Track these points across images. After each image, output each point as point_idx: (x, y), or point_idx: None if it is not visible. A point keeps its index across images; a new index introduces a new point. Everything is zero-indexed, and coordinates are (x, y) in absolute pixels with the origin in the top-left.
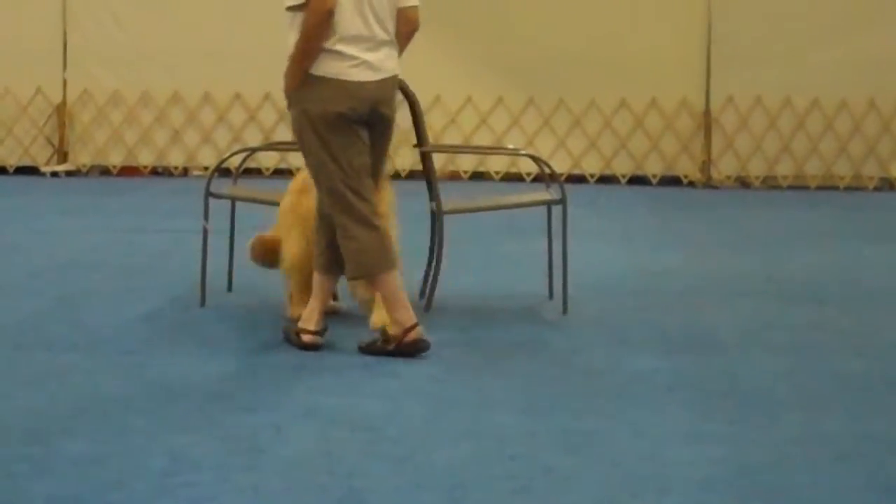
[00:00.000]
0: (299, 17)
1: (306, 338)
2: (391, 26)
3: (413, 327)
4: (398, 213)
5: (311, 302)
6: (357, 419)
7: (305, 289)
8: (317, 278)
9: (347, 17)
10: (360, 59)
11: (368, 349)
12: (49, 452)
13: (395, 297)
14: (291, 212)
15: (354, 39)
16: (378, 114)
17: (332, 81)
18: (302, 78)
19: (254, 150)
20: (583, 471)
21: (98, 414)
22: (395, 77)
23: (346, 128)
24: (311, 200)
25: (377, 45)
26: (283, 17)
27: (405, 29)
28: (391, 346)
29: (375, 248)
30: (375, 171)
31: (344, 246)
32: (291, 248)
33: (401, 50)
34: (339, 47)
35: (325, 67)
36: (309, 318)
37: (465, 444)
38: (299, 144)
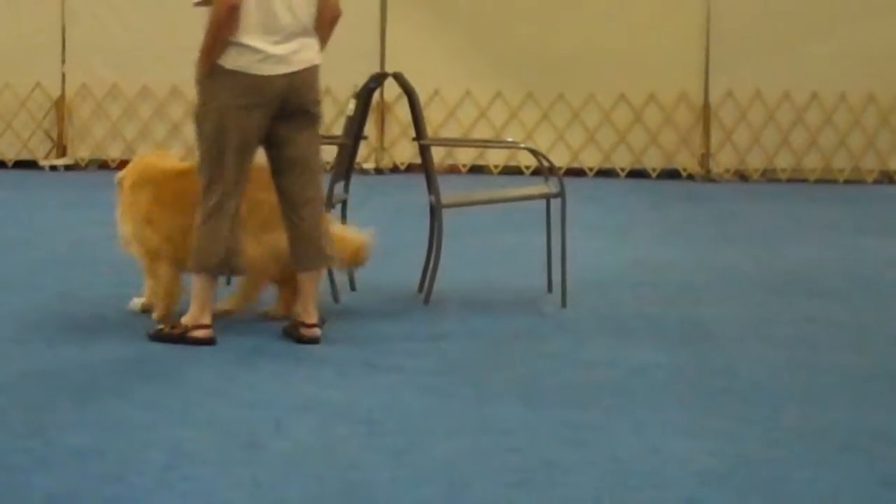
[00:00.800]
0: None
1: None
2: (308, 15)
3: (203, 326)
4: (395, 207)
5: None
6: (356, 412)
7: (285, 286)
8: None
9: (254, 10)
10: (267, 52)
11: (157, 336)
12: (48, 445)
13: (201, 294)
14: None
15: (262, 32)
16: (292, 106)
17: (238, 74)
18: (210, 69)
19: None
20: (582, 464)
21: (97, 407)
22: (311, 68)
23: (245, 122)
24: (272, 196)
25: (288, 36)
26: None
27: (327, 16)
28: (177, 332)
29: (214, 248)
30: (305, 165)
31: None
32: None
33: (325, 38)
34: (246, 40)
35: (232, 60)
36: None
37: (464, 437)
38: (196, 131)
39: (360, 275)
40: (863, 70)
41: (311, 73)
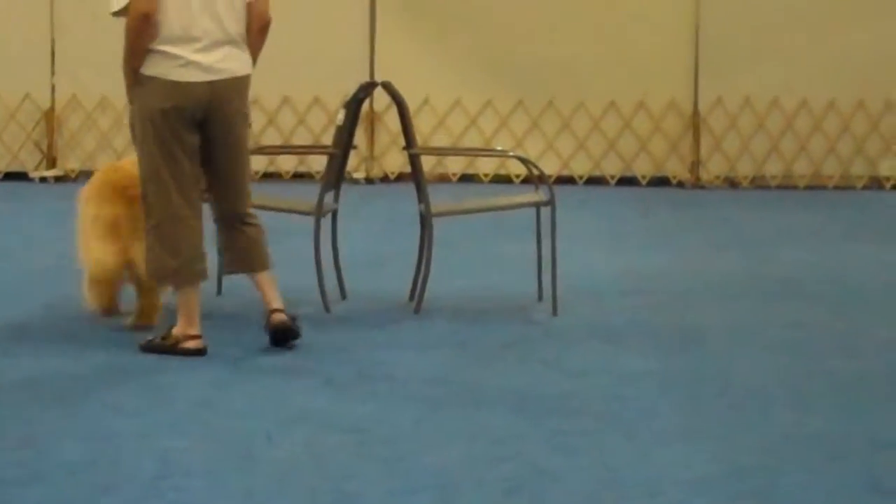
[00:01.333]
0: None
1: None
2: (235, 24)
3: (193, 337)
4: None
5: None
6: (348, 422)
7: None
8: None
9: (173, 19)
10: (186, 59)
11: (148, 347)
12: (40, 457)
13: (185, 306)
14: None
15: (181, 40)
16: (216, 115)
17: (157, 80)
18: (134, 78)
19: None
20: (574, 472)
21: (89, 418)
22: (237, 78)
23: (168, 130)
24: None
25: (212, 45)
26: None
27: (256, 25)
28: (168, 343)
29: (169, 261)
30: (229, 175)
31: (146, 245)
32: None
33: (256, 47)
34: (165, 48)
35: (152, 67)
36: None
37: (456, 445)
38: (132, 137)
39: (350, 283)
40: (852, 77)
41: (236, 82)
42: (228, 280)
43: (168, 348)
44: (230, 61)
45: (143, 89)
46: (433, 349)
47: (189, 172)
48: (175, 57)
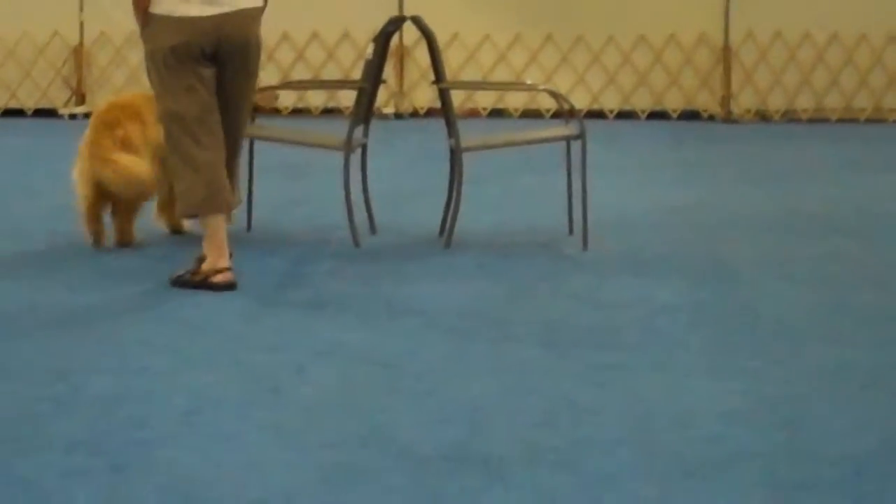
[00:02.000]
0: None
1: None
2: None
3: (223, 270)
4: (415, 152)
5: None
6: (378, 356)
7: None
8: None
9: None
10: None
11: (178, 282)
12: (71, 392)
13: (213, 238)
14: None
15: None
16: (227, 48)
17: (164, 18)
18: (144, 18)
19: (272, 89)
20: (604, 404)
21: (119, 353)
22: (245, 10)
23: (180, 64)
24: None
25: None
26: None
27: None
28: (198, 278)
29: (199, 190)
30: (237, 108)
31: (174, 184)
32: None
33: None
34: None
35: (159, 5)
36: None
37: (486, 378)
38: (148, 78)
39: (380, 218)
40: (883, 9)
41: (245, 14)
42: (258, 215)
43: (198, 283)
44: None
45: (152, 28)
46: (463, 283)
47: (208, 102)
48: None
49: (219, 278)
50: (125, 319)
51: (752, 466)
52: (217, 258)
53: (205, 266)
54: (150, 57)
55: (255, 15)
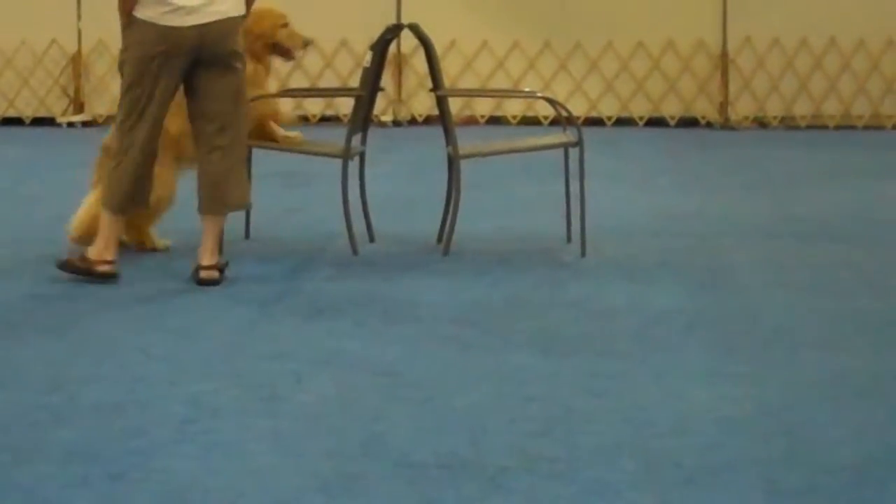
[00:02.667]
0: None
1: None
2: None
3: (101, 262)
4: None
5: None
6: (376, 364)
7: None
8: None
9: None
10: (176, 4)
11: (64, 265)
12: (68, 400)
13: (104, 232)
14: None
15: None
16: (207, 57)
17: (148, 25)
18: (127, 20)
19: (270, 97)
20: (603, 412)
21: (117, 361)
22: (227, 20)
23: (154, 72)
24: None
25: None
26: None
27: None
28: (83, 265)
29: (114, 183)
30: (217, 115)
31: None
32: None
33: None
34: None
35: (144, 11)
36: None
37: (484, 386)
38: (120, 76)
39: (378, 226)
40: (881, 15)
41: (225, 24)
42: (257, 222)
43: (83, 270)
44: (219, 3)
45: (134, 31)
46: (462, 291)
47: (160, 117)
48: (165, 2)
49: (102, 268)
50: (123, 328)
51: (750, 474)
52: (104, 249)
53: (90, 253)
54: (130, 58)
55: (236, 24)
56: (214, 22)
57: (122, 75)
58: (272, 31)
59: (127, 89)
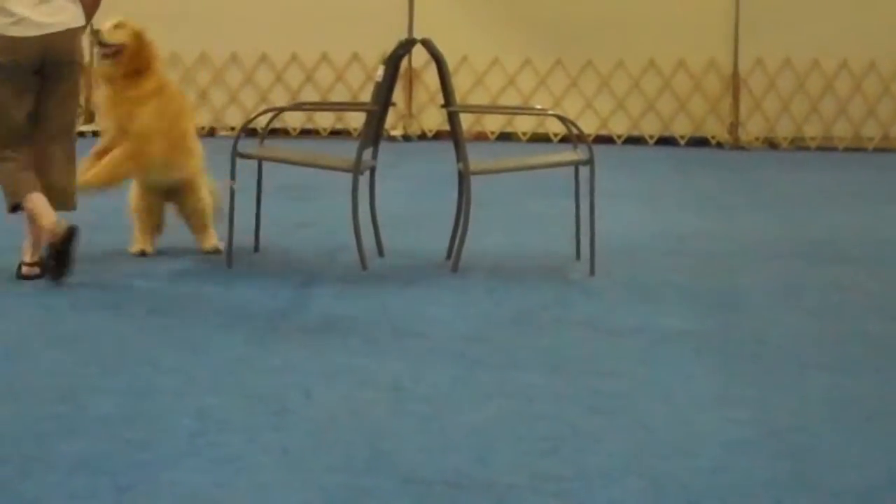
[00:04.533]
0: None
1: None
2: None
3: (26, 265)
4: (424, 174)
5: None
6: (384, 380)
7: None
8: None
9: None
10: (21, 16)
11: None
12: (77, 411)
13: (31, 232)
14: None
15: None
16: (51, 64)
17: None
18: None
19: (281, 110)
20: (610, 432)
21: (126, 374)
22: (69, 30)
23: (9, 78)
24: None
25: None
26: None
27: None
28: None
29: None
30: (61, 118)
31: None
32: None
33: (91, 9)
34: (6, 5)
35: None
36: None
37: (491, 404)
38: None
39: (388, 241)
40: (893, 37)
41: (67, 34)
42: (266, 236)
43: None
44: (61, 15)
45: None
46: (470, 307)
47: (17, 123)
48: (10, 14)
49: (23, 270)
50: (131, 340)
51: (757, 496)
52: (26, 250)
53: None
54: None
55: (78, 33)
56: (57, 32)
57: None
58: None
59: None
